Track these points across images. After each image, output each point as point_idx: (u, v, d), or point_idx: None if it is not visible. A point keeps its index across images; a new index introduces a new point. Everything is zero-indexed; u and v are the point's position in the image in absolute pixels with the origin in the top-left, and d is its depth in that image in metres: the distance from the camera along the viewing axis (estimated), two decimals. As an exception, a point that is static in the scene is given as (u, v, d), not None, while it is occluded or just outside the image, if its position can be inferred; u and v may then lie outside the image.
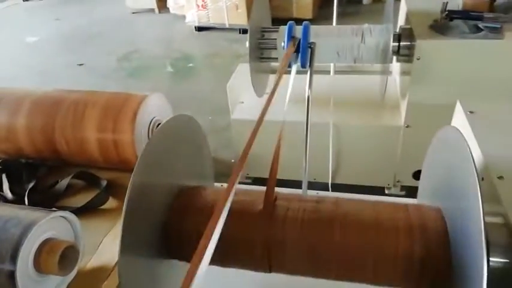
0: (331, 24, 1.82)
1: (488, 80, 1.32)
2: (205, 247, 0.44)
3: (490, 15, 1.37)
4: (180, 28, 4.83)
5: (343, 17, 4.35)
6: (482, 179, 0.72)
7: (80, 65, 4.07)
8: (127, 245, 0.60)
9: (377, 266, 0.62)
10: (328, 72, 1.91)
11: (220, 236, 0.47)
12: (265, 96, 1.75)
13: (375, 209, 0.66)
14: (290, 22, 1.41)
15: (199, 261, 0.43)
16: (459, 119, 0.89)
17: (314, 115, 1.40)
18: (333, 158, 1.67)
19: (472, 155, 0.55)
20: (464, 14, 1.37)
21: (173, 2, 4.99)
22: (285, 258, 0.65)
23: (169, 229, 0.69)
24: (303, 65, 1.31)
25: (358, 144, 1.66)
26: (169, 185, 0.71)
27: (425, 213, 0.65)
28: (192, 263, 0.43)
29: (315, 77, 1.31)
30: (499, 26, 1.30)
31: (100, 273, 1.06)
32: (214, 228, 0.47)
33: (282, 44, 1.43)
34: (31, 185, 1.29)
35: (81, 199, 1.24)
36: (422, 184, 0.81)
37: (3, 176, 1.30)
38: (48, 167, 1.43)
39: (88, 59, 4.19)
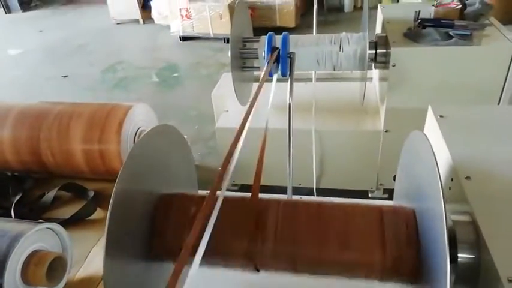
0: (311, 32, 1.86)
1: (459, 85, 1.38)
2: (190, 248, 0.47)
3: (461, 23, 1.43)
4: (164, 38, 4.85)
5: (325, 25, 4.47)
6: (452, 179, 0.76)
7: (64, 76, 4.06)
8: (111, 252, 0.63)
9: (352, 263, 0.66)
10: (310, 79, 1.96)
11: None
12: (248, 104, 1.79)
13: (350, 213, 0.70)
14: (270, 33, 1.45)
15: (185, 261, 0.46)
16: (431, 123, 0.93)
17: (297, 122, 1.44)
18: (316, 163, 1.71)
19: (435, 159, 0.59)
20: (436, 22, 1.43)
21: (157, 12, 5.02)
22: (268, 256, 0.68)
23: (152, 234, 0.71)
24: (283, 74, 1.36)
25: (341, 149, 1.71)
26: (152, 191, 0.74)
27: (398, 213, 0.69)
28: (177, 264, 0.46)
29: (297, 84, 1.36)
30: (469, 33, 1.37)
31: (89, 284, 1.06)
32: (198, 231, 0.49)
33: (263, 53, 1.47)
34: (17, 197, 1.28)
35: (69, 210, 1.23)
36: (397, 186, 0.85)
37: (-12, 190, 1.29)
38: (35, 180, 1.42)
39: (72, 71, 4.17)
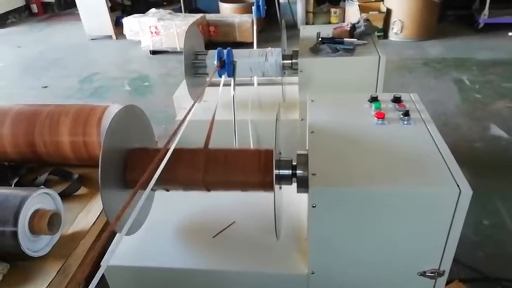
0: (269, 46, 2.34)
1: (345, 83, 1.92)
2: (146, 179, 0.95)
3: (349, 40, 2.01)
4: (136, 52, 5.23)
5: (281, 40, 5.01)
6: (312, 132, 1.28)
7: (44, 87, 4.35)
8: (104, 185, 0.98)
9: (245, 174, 1.18)
10: (253, 84, 2.49)
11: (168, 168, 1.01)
12: (202, 103, 2.31)
13: (242, 153, 1.23)
14: (219, 48, 1.98)
15: (145, 185, 0.90)
16: (307, 104, 1.47)
17: (238, 114, 1.95)
18: (254, 144, 2.23)
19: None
20: (331, 40, 2.00)
21: (129, 29, 5.44)
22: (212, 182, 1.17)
23: (128, 172, 1.15)
24: (229, 75, 1.90)
25: (270, 134, 2.23)
26: (126, 146, 1.16)
27: (266, 151, 1.23)
28: (136, 187, 0.90)
29: (242, 87, 1.83)
30: (351, 47, 1.94)
31: (78, 235, 1.33)
32: (152, 169, 0.98)
33: (215, 62, 2.00)
34: (15, 180, 1.53)
35: (58, 190, 1.42)
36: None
37: (-10, 175, 1.51)
38: (28, 168, 1.66)
39: (51, 82, 4.47)
